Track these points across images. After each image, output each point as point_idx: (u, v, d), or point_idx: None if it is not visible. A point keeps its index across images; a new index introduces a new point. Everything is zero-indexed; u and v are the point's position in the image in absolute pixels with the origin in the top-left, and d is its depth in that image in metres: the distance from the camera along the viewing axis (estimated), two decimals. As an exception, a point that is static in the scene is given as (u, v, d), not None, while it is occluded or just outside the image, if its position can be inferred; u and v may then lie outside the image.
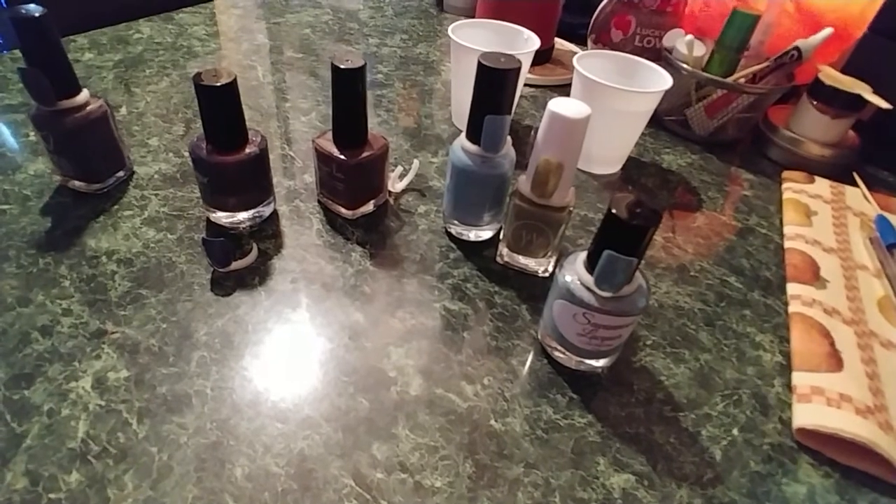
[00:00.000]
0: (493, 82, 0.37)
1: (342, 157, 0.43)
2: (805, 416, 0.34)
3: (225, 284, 0.40)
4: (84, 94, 0.43)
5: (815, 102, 0.59)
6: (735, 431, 0.34)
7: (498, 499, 0.29)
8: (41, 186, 0.46)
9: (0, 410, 0.31)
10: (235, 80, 0.38)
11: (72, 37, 0.71)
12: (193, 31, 0.76)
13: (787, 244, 0.49)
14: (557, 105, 0.35)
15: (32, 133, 0.52)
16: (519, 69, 0.37)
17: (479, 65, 0.37)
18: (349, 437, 0.31)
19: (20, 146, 0.51)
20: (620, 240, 0.30)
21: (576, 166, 0.38)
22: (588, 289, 0.32)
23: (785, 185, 0.57)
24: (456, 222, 0.45)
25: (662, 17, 0.66)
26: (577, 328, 0.34)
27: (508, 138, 0.41)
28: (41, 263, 0.40)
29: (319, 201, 0.48)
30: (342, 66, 0.39)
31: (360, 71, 0.40)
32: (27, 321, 0.36)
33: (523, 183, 0.39)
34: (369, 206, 0.47)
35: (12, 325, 0.35)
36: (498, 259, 0.44)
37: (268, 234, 0.45)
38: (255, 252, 0.42)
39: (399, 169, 0.52)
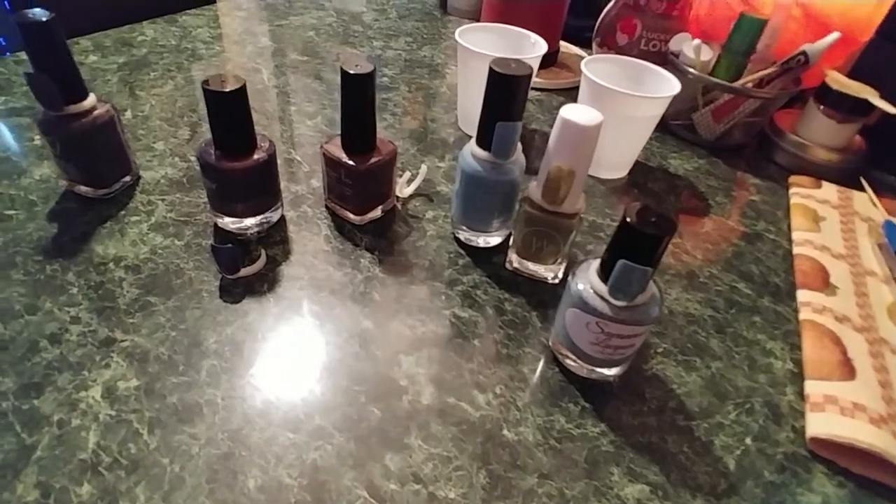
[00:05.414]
0: (505, 88, 0.37)
1: (351, 162, 0.42)
2: (819, 425, 0.34)
3: (234, 291, 0.39)
4: (91, 99, 0.43)
5: (821, 107, 0.59)
6: (748, 440, 0.34)
7: (512, 510, 0.29)
8: (47, 191, 0.46)
9: (10, 421, 0.30)
10: (244, 85, 0.38)
11: (75, 39, 0.70)
12: (197, 34, 0.76)
13: (795, 250, 0.49)
14: (569, 112, 0.35)
15: (37, 137, 0.52)
16: (531, 76, 0.37)
17: (491, 71, 0.37)
18: (362, 448, 0.31)
19: (25, 150, 0.51)
20: (635, 249, 0.30)
21: (587, 173, 0.38)
22: (602, 297, 0.32)
23: (792, 190, 0.57)
24: (465, 228, 0.45)
25: (668, 20, 0.66)
26: (590, 337, 0.33)
27: (518, 144, 0.41)
28: (48, 270, 0.39)
29: (327, 206, 0.48)
30: (352, 72, 0.39)
31: (370, 76, 0.39)
32: (35, 329, 0.35)
33: (534, 189, 0.39)
34: (377, 212, 0.47)
35: (20, 334, 0.35)
36: (507, 265, 0.44)
37: (276, 240, 0.44)
38: (263, 258, 0.42)
39: (407, 174, 0.51)
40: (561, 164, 0.36)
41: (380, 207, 0.47)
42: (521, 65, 0.37)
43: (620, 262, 0.30)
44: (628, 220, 0.29)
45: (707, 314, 0.43)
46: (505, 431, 0.33)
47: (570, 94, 0.72)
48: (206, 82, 0.38)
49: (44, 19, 0.38)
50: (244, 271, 0.40)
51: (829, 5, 0.61)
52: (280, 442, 0.31)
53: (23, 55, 0.62)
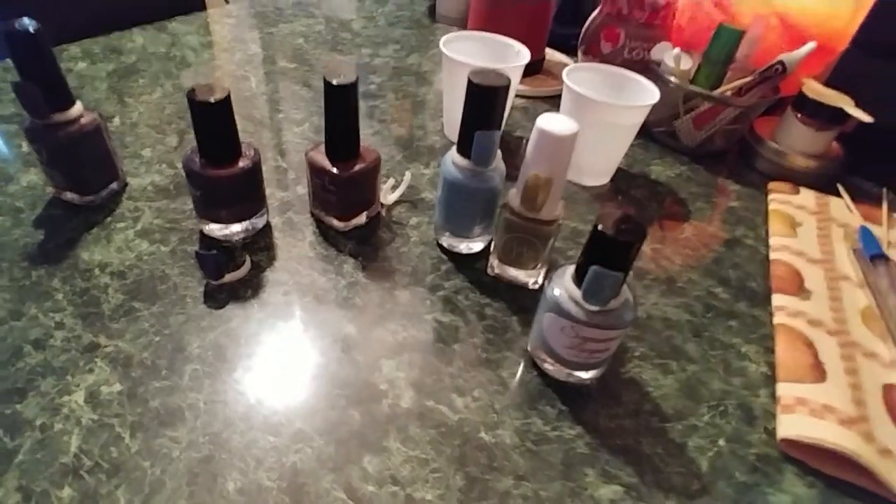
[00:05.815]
0: (483, 99, 0.38)
1: (334, 170, 0.43)
2: (790, 426, 0.35)
3: (218, 297, 0.40)
4: (77, 107, 0.43)
5: (799, 115, 0.60)
6: (721, 442, 0.35)
7: (488, 511, 0.30)
8: (34, 198, 0.46)
9: (-8, 425, 0.31)
10: (229, 95, 0.39)
11: (64, 46, 0.71)
12: (187, 41, 0.77)
13: (772, 255, 0.50)
14: (545, 122, 0.36)
15: (25, 144, 0.52)
16: (508, 86, 0.38)
17: (469, 82, 0.37)
18: (341, 451, 0.32)
19: (13, 157, 0.51)
20: (607, 255, 0.31)
21: (564, 180, 0.39)
22: (576, 302, 0.33)
23: (771, 196, 0.58)
24: (447, 234, 0.46)
25: (651, 29, 0.67)
26: (566, 341, 0.34)
27: (498, 152, 0.42)
28: (34, 276, 0.40)
29: (312, 213, 0.49)
30: (334, 82, 0.40)
31: (353, 87, 0.40)
32: (20, 335, 0.36)
33: (513, 197, 0.40)
34: (362, 218, 0.48)
35: (4, 339, 0.35)
36: (489, 271, 0.45)
37: (261, 246, 0.45)
38: (248, 264, 0.42)
39: (391, 181, 0.52)
40: (538, 172, 0.37)
41: (364, 214, 0.48)
42: (499, 75, 0.38)
43: (592, 269, 0.31)
44: (599, 227, 0.30)
45: (684, 318, 0.43)
46: (482, 434, 0.33)
47: (556, 101, 0.72)
48: (191, 91, 0.38)
49: (31, 30, 0.39)
50: (228, 277, 0.41)
51: (806, 16, 0.62)
52: (260, 445, 0.31)
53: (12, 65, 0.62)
